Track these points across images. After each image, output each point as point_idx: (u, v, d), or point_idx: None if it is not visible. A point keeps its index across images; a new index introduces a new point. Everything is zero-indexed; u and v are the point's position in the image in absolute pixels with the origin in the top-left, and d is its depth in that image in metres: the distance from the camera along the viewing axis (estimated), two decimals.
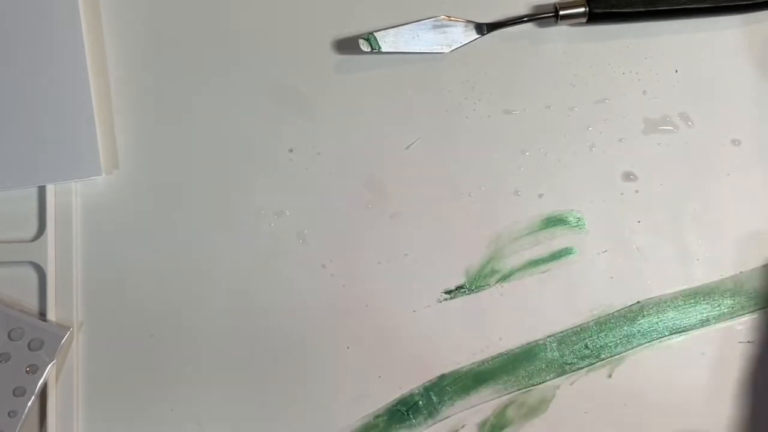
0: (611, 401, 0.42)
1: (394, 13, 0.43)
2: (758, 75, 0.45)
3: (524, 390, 0.42)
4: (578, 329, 0.43)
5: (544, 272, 0.43)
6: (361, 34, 0.42)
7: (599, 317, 0.43)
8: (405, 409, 0.42)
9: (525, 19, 0.43)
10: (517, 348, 0.42)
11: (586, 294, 0.43)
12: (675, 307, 0.43)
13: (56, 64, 0.42)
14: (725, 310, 0.43)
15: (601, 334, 0.43)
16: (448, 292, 0.43)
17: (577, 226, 0.43)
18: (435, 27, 0.43)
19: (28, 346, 0.41)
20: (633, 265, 0.43)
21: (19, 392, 0.40)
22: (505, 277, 0.43)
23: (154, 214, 0.43)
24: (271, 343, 0.42)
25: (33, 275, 0.42)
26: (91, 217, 0.43)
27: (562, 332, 0.43)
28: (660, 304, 0.43)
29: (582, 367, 0.42)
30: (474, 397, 0.42)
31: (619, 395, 0.42)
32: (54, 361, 0.41)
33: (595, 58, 0.44)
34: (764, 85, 0.44)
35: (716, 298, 0.43)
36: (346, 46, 0.44)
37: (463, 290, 0.42)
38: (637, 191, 0.44)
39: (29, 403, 0.40)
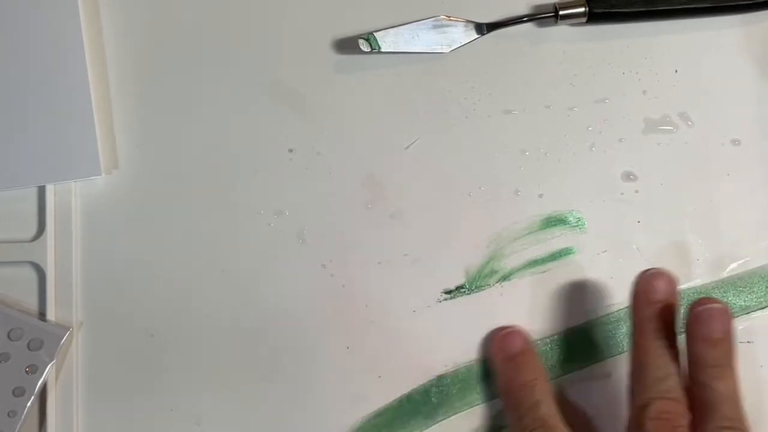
0: (611, 401, 0.42)
1: (394, 13, 0.43)
2: (758, 75, 0.45)
3: None
4: (578, 329, 0.43)
5: (544, 272, 0.43)
6: (361, 34, 0.42)
7: (599, 317, 0.43)
8: (405, 409, 0.42)
9: (525, 19, 0.43)
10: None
11: (586, 294, 0.43)
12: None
13: (56, 64, 0.42)
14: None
15: (601, 335, 0.43)
16: (448, 292, 0.43)
17: (577, 226, 0.43)
18: (435, 27, 0.43)
19: (28, 346, 0.40)
20: (633, 265, 0.43)
21: (19, 392, 0.40)
22: (505, 277, 0.43)
23: (154, 214, 0.43)
24: (270, 343, 0.42)
25: (33, 275, 0.42)
26: (91, 217, 0.43)
27: (561, 332, 0.43)
28: None
29: (582, 367, 0.42)
30: (474, 398, 0.42)
31: (618, 395, 0.42)
32: (54, 361, 0.40)
33: (595, 58, 0.44)
34: (764, 85, 0.44)
35: (716, 298, 0.43)
36: (346, 46, 0.44)
37: (463, 290, 0.42)
38: (637, 191, 0.44)
39: (29, 404, 0.40)
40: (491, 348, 0.41)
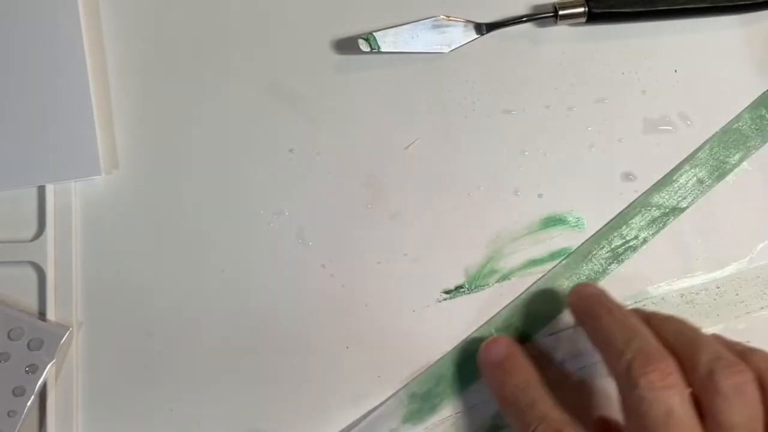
0: (611, 401, 0.42)
1: (394, 12, 0.43)
2: (758, 75, 0.45)
3: None
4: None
5: (544, 272, 0.43)
6: (361, 34, 0.42)
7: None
8: (404, 409, 0.42)
9: (524, 19, 0.43)
10: None
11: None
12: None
13: (56, 64, 0.42)
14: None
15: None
16: (448, 292, 0.43)
17: (577, 226, 0.43)
18: (434, 27, 0.43)
19: (28, 345, 0.41)
20: (633, 265, 0.43)
21: (19, 392, 0.40)
22: (504, 277, 0.43)
23: (154, 214, 0.43)
24: (270, 343, 0.42)
25: (32, 275, 0.42)
26: (90, 217, 0.43)
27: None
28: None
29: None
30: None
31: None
32: (54, 361, 0.40)
33: (594, 58, 0.44)
34: (764, 85, 0.45)
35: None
36: (346, 46, 0.44)
37: (462, 290, 0.42)
38: (636, 191, 0.44)
39: (29, 403, 0.40)
40: (479, 362, 0.41)
